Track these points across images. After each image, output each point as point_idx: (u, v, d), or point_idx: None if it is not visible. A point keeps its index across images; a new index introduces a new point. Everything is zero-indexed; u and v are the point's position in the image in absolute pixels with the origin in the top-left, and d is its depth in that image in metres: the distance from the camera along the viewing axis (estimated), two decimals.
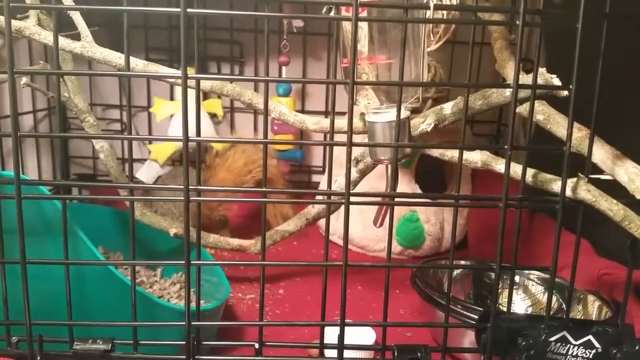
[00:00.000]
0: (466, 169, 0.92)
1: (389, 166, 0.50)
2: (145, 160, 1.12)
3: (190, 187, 0.44)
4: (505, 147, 0.43)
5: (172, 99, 1.04)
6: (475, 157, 0.50)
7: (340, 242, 0.90)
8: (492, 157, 0.50)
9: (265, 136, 0.44)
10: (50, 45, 0.53)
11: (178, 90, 1.01)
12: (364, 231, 0.87)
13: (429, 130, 0.57)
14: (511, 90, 0.55)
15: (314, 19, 0.99)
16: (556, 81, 0.54)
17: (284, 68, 0.98)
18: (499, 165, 0.49)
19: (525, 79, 0.56)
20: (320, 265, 0.45)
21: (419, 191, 0.87)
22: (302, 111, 1.07)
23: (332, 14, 0.45)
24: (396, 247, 0.87)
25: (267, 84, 0.42)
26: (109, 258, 0.81)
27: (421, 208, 0.85)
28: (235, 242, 0.71)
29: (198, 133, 0.44)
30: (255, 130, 1.12)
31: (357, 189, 0.66)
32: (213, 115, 1.05)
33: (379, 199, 0.49)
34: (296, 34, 0.98)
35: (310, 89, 1.09)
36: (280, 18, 0.94)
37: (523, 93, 0.55)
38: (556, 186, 0.48)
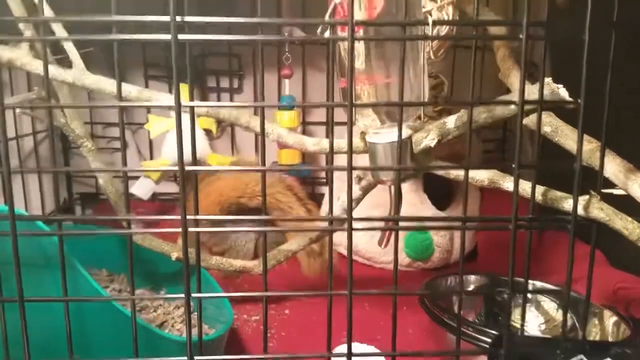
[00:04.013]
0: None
1: (392, 187, 0.49)
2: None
3: (187, 216, 0.42)
4: (513, 165, 0.42)
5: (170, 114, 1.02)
6: (482, 176, 0.48)
7: (343, 251, 0.89)
8: (500, 175, 0.48)
9: (263, 162, 0.42)
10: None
11: None
12: (370, 242, 0.85)
13: (432, 146, 0.55)
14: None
15: (311, 34, 0.98)
16: (563, 91, 0.52)
17: (286, 81, 0.96)
18: (507, 184, 0.48)
19: (531, 89, 0.54)
20: (324, 295, 0.43)
21: (427, 200, 0.85)
22: (304, 123, 1.06)
23: (327, 33, 0.43)
24: (404, 260, 0.85)
25: (263, 109, 0.41)
26: (114, 280, 0.80)
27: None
28: (238, 263, 0.69)
29: (194, 161, 0.43)
30: (256, 145, 1.10)
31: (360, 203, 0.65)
32: (208, 132, 1.03)
33: (383, 224, 0.47)
34: (295, 44, 0.97)
35: (311, 100, 1.07)
36: (281, 29, 0.93)
37: (528, 105, 0.53)
38: (567, 204, 0.46)
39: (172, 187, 1.11)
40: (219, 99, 1.08)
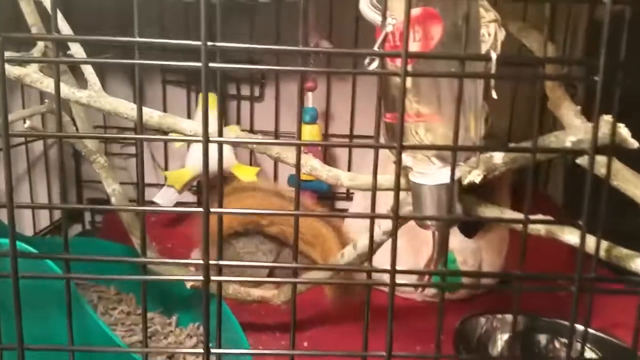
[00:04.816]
0: (505, 195, 0.85)
1: (436, 233, 0.44)
2: (162, 185, 1.07)
3: (210, 262, 0.38)
4: (579, 222, 0.37)
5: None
6: (538, 225, 0.44)
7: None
8: (558, 227, 0.44)
9: (297, 207, 0.38)
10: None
11: (199, 117, 0.95)
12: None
13: (477, 182, 0.50)
14: (573, 141, 0.49)
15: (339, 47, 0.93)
16: (624, 132, 0.47)
17: (309, 93, 0.92)
18: (567, 236, 0.43)
19: (588, 127, 0.49)
20: (359, 356, 0.39)
21: (456, 229, 0.80)
22: (326, 136, 1.01)
23: (375, 64, 0.38)
24: (430, 290, 0.80)
25: (300, 147, 0.36)
26: (122, 300, 0.76)
27: (458, 248, 0.79)
28: (257, 293, 0.65)
29: (220, 203, 0.38)
30: None
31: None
32: None
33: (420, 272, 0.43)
34: (320, 56, 0.92)
35: (335, 111, 1.03)
36: (307, 40, 0.88)
37: (586, 143, 0.48)
38: (634, 264, 0.41)
39: (190, 197, 1.07)
40: (239, 107, 1.04)
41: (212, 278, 0.38)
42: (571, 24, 0.98)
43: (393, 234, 0.37)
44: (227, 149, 0.96)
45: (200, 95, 0.97)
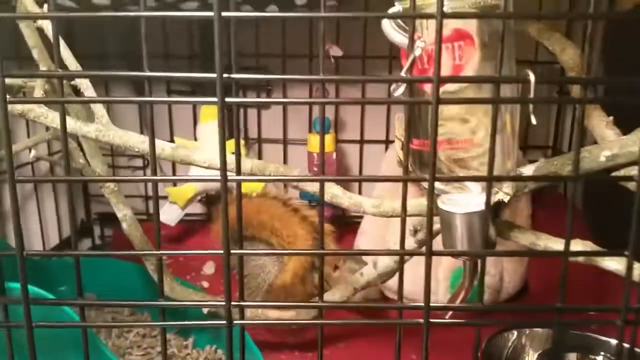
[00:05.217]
0: (525, 200, 0.83)
1: (467, 263, 0.42)
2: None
3: (232, 303, 0.36)
4: (626, 253, 0.34)
5: (195, 138, 0.95)
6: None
7: (393, 297, 0.82)
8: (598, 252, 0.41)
9: (322, 245, 0.36)
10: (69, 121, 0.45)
11: (201, 130, 0.92)
12: (415, 284, 0.78)
13: (506, 202, 0.48)
14: (607, 155, 0.47)
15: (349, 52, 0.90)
16: None
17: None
18: (608, 263, 0.40)
19: (624, 142, 0.46)
20: None
21: None
22: (336, 142, 0.99)
23: (401, 90, 0.36)
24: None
25: (323, 184, 0.34)
26: (136, 320, 0.74)
27: None
28: (274, 315, 0.63)
29: (241, 245, 0.36)
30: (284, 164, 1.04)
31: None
32: None
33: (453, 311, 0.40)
34: (328, 59, 0.90)
35: (345, 118, 1.00)
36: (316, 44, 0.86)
37: (621, 158, 0.46)
38: None
39: (196, 208, 1.04)
40: (245, 115, 1.02)
41: (235, 322, 0.36)
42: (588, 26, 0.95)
43: (427, 272, 0.35)
44: (230, 158, 0.94)
45: (203, 108, 0.94)
